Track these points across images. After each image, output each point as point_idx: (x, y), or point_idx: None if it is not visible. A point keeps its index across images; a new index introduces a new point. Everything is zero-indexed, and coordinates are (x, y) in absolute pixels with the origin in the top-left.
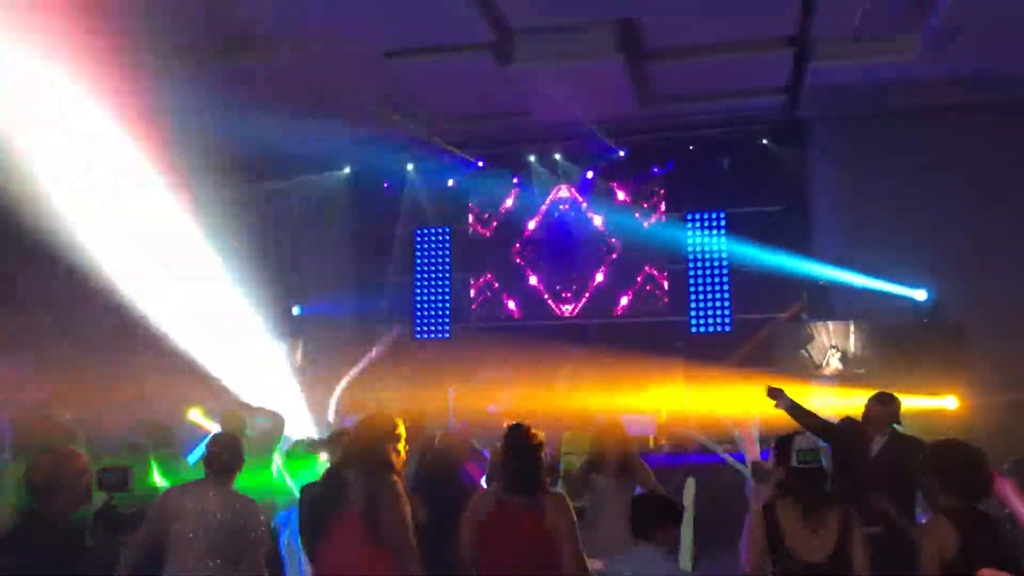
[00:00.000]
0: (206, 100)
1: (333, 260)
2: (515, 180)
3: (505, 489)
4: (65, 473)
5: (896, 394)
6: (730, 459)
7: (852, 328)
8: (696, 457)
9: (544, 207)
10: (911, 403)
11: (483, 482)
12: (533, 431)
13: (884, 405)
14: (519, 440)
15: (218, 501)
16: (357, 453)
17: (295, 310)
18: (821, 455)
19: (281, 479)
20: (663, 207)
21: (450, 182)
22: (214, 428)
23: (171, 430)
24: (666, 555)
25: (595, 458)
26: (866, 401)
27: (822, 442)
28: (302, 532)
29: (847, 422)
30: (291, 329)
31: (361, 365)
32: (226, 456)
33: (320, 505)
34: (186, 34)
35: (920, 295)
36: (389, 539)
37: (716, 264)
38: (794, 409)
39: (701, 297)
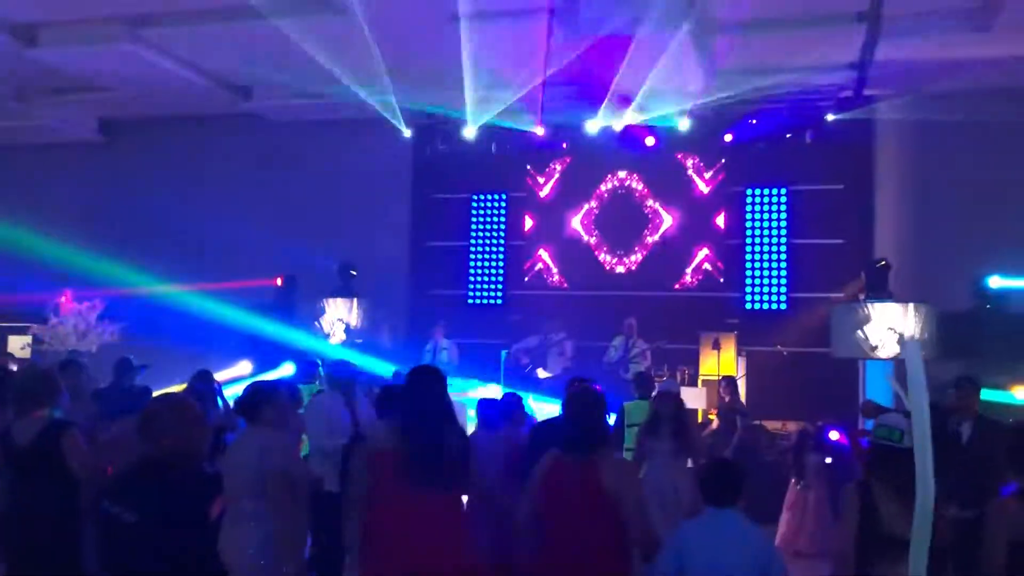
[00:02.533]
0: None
1: (391, 222)
2: (575, 148)
3: (564, 449)
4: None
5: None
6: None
7: (911, 311)
8: None
9: (603, 176)
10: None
11: None
12: (592, 389)
13: (966, 390)
14: (577, 399)
15: (245, 441)
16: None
17: (352, 271)
18: (900, 435)
19: None
20: (724, 180)
21: (509, 148)
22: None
23: None
24: (745, 520)
25: (651, 424)
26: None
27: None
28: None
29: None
30: (350, 289)
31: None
32: (249, 399)
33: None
34: None
35: (983, 280)
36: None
37: (774, 241)
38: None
39: (757, 274)
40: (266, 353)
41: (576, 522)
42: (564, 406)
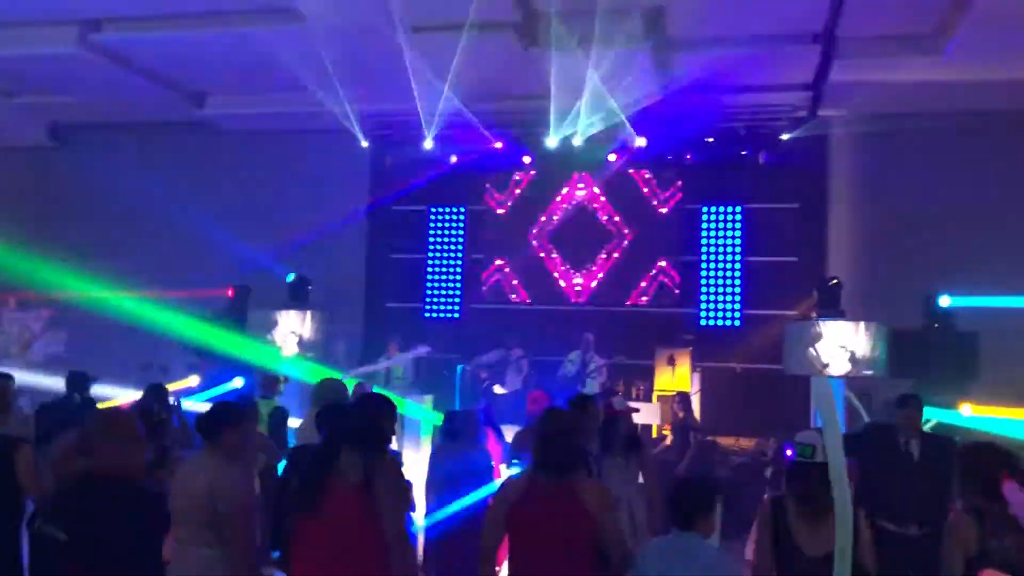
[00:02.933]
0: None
1: (347, 234)
2: (533, 163)
3: (539, 471)
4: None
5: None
6: None
7: (862, 329)
8: None
9: (561, 192)
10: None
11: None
12: (567, 412)
13: (909, 408)
14: (551, 422)
15: (201, 468)
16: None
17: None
18: (812, 450)
19: None
20: (680, 198)
21: (468, 161)
22: None
23: None
24: (704, 541)
25: (605, 440)
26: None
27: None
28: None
29: (873, 427)
30: (304, 301)
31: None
32: (212, 420)
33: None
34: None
35: (934, 299)
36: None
37: (729, 258)
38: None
39: (712, 290)
40: (216, 365)
41: (553, 545)
42: (541, 426)
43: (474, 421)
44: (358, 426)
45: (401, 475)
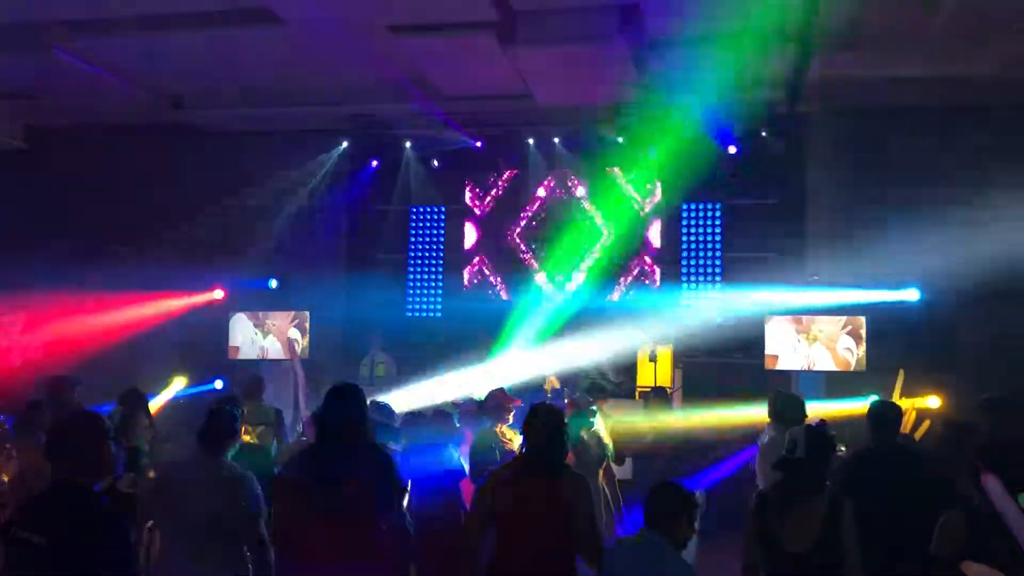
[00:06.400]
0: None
1: (327, 234)
2: (513, 162)
3: (525, 469)
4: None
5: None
6: None
7: (842, 324)
8: None
9: (540, 191)
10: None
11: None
12: (554, 408)
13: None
14: (538, 418)
15: (204, 475)
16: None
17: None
18: (794, 445)
19: None
20: (659, 195)
21: (447, 162)
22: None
23: None
24: (669, 546)
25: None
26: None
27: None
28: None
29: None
30: (286, 302)
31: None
32: (215, 429)
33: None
34: None
35: (912, 295)
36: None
37: (710, 255)
38: None
39: (692, 286)
40: (198, 368)
41: (536, 535)
42: (529, 425)
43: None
44: (346, 422)
45: (393, 468)
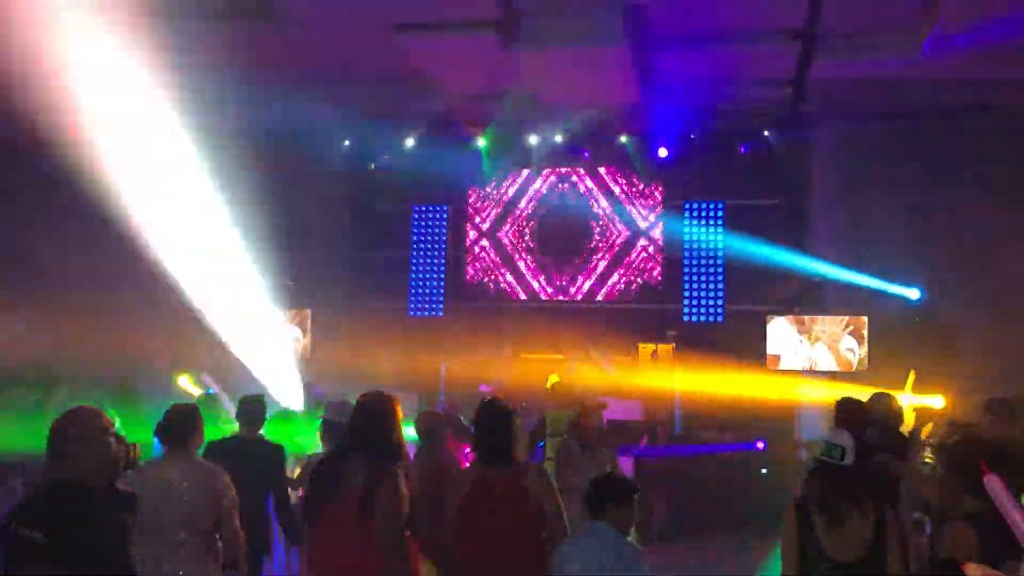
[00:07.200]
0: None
1: (329, 233)
2: (515, 161)
3: (481, 462)
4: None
5: (889, 391)
6: None
7: (844, 324)
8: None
9: (543, 189)
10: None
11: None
12: (501, 403)
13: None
14: (487, 413)
15: (179, 473)
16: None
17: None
18: (842, 452)
19: None
20: (662, 194)
21: (450, 160)
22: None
23: None
24: (618, 532)
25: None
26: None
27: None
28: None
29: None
30: (288, 301)
31: None
32: (180, 426)
33: (317, 487)
34: None
35: (913, 294)
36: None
37: (712, 254)
38: None
39: (695, 286)
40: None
41: (501, 532)
42: (480, 419)
43: (440, 422)
44: (359, 431)
45: (399, 482)
